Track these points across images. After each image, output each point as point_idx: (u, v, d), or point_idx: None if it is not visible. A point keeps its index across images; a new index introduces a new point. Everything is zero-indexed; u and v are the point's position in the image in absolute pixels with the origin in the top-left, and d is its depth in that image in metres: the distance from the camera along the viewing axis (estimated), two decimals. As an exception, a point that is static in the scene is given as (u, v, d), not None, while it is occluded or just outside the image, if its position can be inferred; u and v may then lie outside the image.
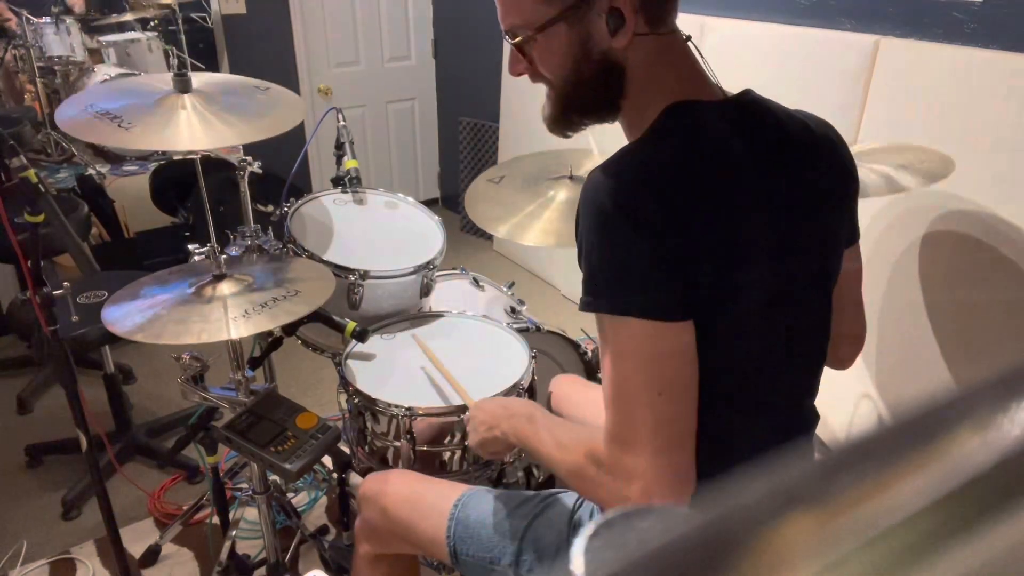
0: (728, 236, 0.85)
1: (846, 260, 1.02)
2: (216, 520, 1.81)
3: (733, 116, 0.91)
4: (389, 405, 1.42)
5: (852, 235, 1.05)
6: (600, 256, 0.83)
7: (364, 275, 1.66)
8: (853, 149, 1.05)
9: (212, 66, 3.59)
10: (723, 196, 0.86)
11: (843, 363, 1.14)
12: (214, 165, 2.43)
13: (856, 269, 1.07)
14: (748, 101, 0.94)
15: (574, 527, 1.12)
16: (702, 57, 0.94)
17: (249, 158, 1.67)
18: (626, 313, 0.81)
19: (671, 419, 0.82)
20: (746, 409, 0.95)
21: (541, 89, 0.96)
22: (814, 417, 1.08)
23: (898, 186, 1.56)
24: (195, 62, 3.53)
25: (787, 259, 0.92)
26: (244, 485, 1.96)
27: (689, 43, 0.92)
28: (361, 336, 1.55)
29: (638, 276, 0.81)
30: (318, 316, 1.51)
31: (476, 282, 2.03)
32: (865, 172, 1.55)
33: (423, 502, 1.22)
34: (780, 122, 0.95)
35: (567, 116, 0.95)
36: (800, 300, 0.96)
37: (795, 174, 0.93)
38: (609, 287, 0.83)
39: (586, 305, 0.85)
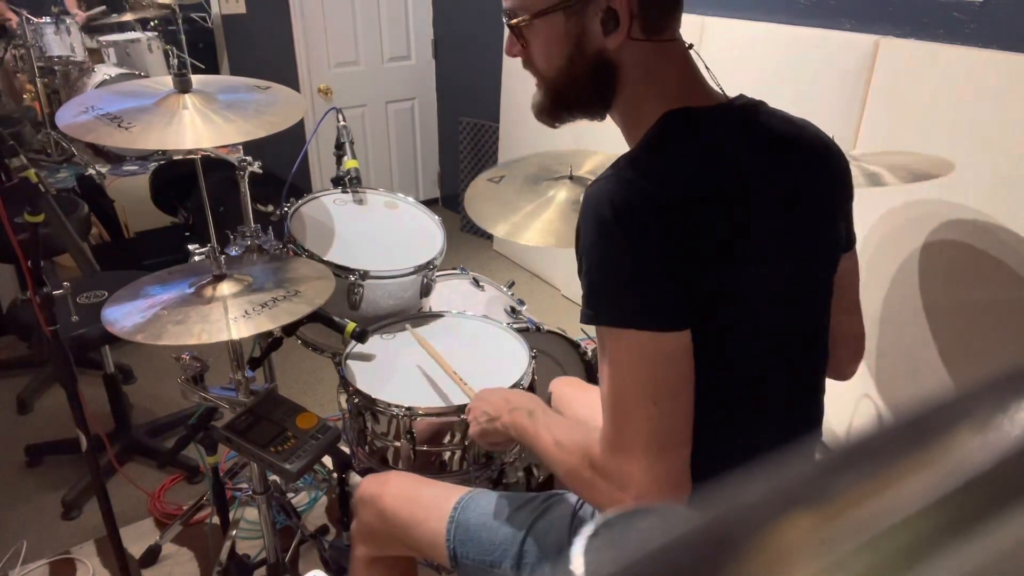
0: (728, 240, 0.85)
1: (844, 263, 1.03)
2: (216, 520, 1.81)
3: (730, 121, 0.91)
4: (389, 405, 1.42)
5: (849, 240, 1.05)
6: (601, 268, 0.84)
7: (364, 275, 1.66)
8: (850, 154, 1.05)
9: (212, 66, 3.59)
10: (722, 202, 0.86)
11: (845, 373, 1.13)
12: (214, 165, 2.43)
13: (854, 272, 1.08)
14: (745, 105, 0.94)
15: (575, 528, 1.11)
16: (704, 63, 0.94)
17: (249, 158, 1.67)
18: (624, 325, 0.82)
19: (666, 427, 0.84)
20: (752, 410, 0.95)
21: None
22: (819, 414, 1.08)
23: (879, 182, 1.55)
24: (195, 62, 3.52)
25: (785, 261, 0.92)
26: (244, 485, 1.96)
27: (691, 51, 0.93)
28: (361, 336, 1.55)
29: (637, 288, 0.82)
30: (318, 316, 1.51)
31: (476, 282, 2.03)
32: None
33: (422, 504, 1.21)
34: (775, 126, 0.95)
35: (555, 108, 0.96)
36: (799, 301, 0.96)
37: (791, 177, 0.93)
38: (609, 299, 0.84)
39: (587, 318, 0.86)
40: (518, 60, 0.96)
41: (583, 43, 0.89)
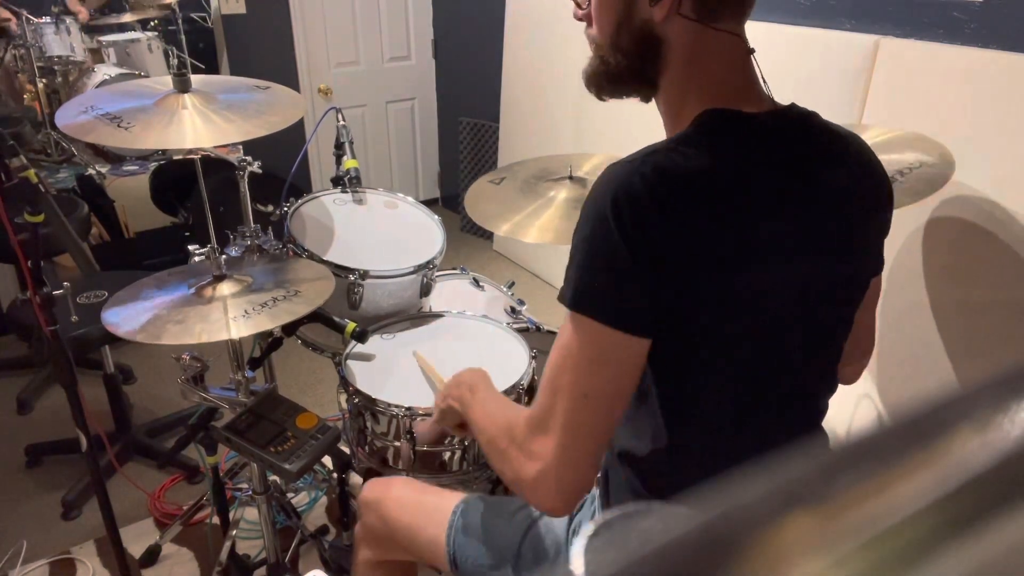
0: (735, 249, 0.83)
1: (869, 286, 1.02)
2: (216, 520, 1.81)
3: (771, 129, 0.89)
4: (389, 405, 1.42)
5: (877, 265, 1.03)
6: (585, 252, 0.83)
7: (364, 275, 1.66)
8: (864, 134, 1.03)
9: (212, 66, 3.59)
10: (738, 213, 0.83)
11: (849, 379, 1.14)
12: (214, 165, 2.43)
13: (876, 294, 1.07)
14: (793, 115, 0.92)
15: (572, 532, 1.11)
16: (760, 72, 0.91)
17: (249, 158, 1.67)
18: (589, 314, 0.82)
19: (589, 421, 0.85)
20: (750, 413, 0.95)
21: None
22: (819, 419, 1.07)
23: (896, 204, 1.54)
24: (195, 62, 3.53)
25: (801, 276, 0.90)
26: (244, 485, 1.96)
27: (751, 56, 0.90)
28: (361, 337, 1.55)
29: (613, 282, 0.82)
30: (318, 316, 1.51)
31: (476, 282, 2.03)
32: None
33: (423, 510, 1.22)
34: (819, 140, 0.93)
35: (602, 79, 0.95)
36: (811, 318, 0.95)
37: (826, 192, 0.90)
38: (581, 282, 0.83)
39: (560, 295, 0.86)
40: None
41: (632, 11, 0.87)
